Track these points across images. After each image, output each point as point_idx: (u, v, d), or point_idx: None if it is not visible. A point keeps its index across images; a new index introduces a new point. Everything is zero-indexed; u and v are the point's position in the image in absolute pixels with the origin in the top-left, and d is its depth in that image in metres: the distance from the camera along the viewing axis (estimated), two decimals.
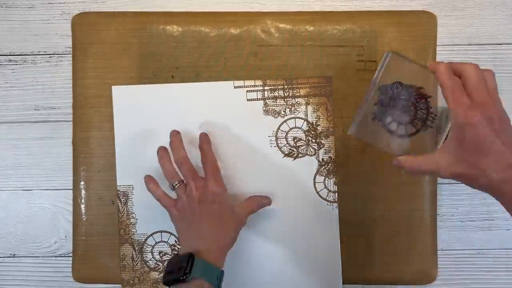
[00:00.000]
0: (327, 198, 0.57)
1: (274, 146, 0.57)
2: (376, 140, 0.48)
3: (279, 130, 0.57)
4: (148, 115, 0.57)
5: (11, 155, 0.60)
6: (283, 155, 0.57)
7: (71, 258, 0.59)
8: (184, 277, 0.43)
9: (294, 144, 0.57)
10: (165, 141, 0.53)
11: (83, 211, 0.58)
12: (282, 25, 0.57)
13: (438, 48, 0.58)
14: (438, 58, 0.58)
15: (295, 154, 0.57)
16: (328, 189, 0.57)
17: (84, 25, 0.58)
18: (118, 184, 0.57)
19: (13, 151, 0.60)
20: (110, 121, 0.57)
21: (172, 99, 0.57)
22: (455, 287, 0.60)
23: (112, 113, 0.57)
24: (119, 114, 0.57)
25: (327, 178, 0.57)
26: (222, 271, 0.47)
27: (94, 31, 0.57)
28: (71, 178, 0.58)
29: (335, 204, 0.57)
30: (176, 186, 0.51)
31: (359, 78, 0.57)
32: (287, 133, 0.57)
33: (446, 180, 0.59)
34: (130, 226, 0.57)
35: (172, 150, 0.52)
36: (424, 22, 0.57)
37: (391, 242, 0.57)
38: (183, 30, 0.57)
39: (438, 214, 0.59)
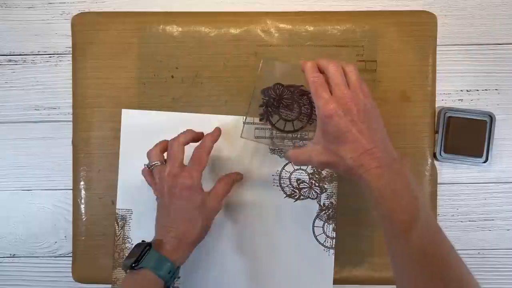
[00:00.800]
0: (324, 244, 0.56)
1: (277, 186, 0.57)
2: (268, 140, 0.53)
3: (284, 170, 0.57)
4: (154, 141, 0.56)
5: (11, 155, 0.60)
6: (284, 195, 0.57)
7: (71, 258, 0.59)
8: (134, 265, 0.44)
9: (297, 186, 0.57)
10: None
11: (83, 211, 0.58)
12: (282, 25, 0.57)
13: (438, 48, 0.58)
14: (438, 58, 0.58)
15: (297, 196, 0.57)
16: (326, 235, 0.57)
17: (84, 25, 0.58)
18: (117, 207, 0.57)
19: (13, 151, 0.60)
20: (110, 121, 0.57)
21: (180, 128, 0.56)
22: None
23: (112, 113, 0.57)
24: (126, 137, 0.57)
25: (326, 223, 0.57)
26: (178, 267, 0.47)
27: (94, 31, 0.57)
28: (71, 178, 0.58)
29: (332, 250, 0.56)
30: (153, 166, 0.50)
31: None
32: (291, 173, 0.57)
33: (446, 180, 0.59)
34: (125, 250, 0.57)
35: (177, 135, 0.51)
36: (424, 22, 0.58)
37: None
38: (183, 30, 0.57)
39: (438, 214, 0.59)
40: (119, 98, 0.57)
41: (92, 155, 0.58)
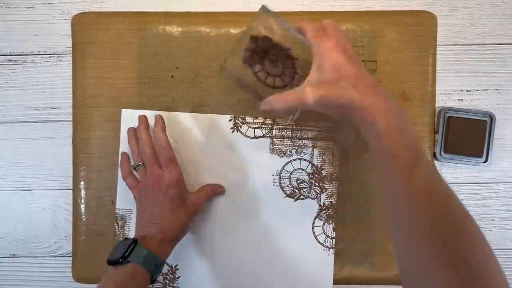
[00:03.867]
0: (324, 243, 0.57)
1: (277, 186, 0.57)
2: (247, 84, 0.50)
3: (283, 170, 0.57)
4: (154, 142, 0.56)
5: (11, 155, 0.60)
6: (284, 195, 0.57)
7: (71, 258, 0.59)
8: (122, 260, 0.46)
9: (297, 186, 0.57)
10: None
11: (83, 211, 0.58)
12: None
13: (438, 48, 0.58)
14: (438, 58, 0.58)
15: (297, 196, 0.57)
16: (326, 234, 0.57)
17: (84, 25, 0.58)
18: (117, 207, 0.57)
19: (13, 151, 0.60)
20: (110, 121, 0.57)
21: (179, 127, 0.57)
22: None
23: (112, 113, 0.57)
24: (125, 137, 0.57)
25: (326, 223, 0.57)
26: (163, 261, 0.48)
27: (94, 31, 0.57)
28: (71, 178, 0.58)
29: (332, 250, 0.57)
30: (138, 167, 0.53)
31: None
32: (291, 173, 0.57)
33: (446, 180, 0.59)
34: None
35: (138, 135, 0.54)
36: (424, 22, 0.58)
37: (391, 242, 0.57)
38: (183, 30, 0.57)
39: None
40: (119, 98, 0.57)
41: (92, 155, 0.58)
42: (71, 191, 0.59)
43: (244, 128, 0.57)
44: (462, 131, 0.57)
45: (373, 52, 0.57)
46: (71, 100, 0.58)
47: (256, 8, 0.59)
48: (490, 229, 0.60)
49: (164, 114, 0.57)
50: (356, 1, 0.60)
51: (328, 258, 0.56)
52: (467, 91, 0.59)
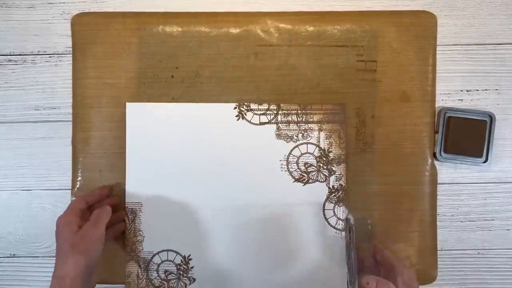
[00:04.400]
0: (335, 226, 0.57)
1: (285, 171, 0.57)
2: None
3: (291, 155, 0.57)
4: (160, 134, 0.57)
5: (11, 155, 0.60)
6: (293, 180, 0.57)
7: None
8: None
9: (305, 170, 0.57)
10: (176, 160, 0.56)
11: None
12: (282, 25, 0.57)
13: (438, 48, 0.58)
14: (438, 58, 0.58)
15: (306, 180, 0.57)
16: (337, 217, 0.57)
17: (83, 25, 0.58)
18: (126, 201, 0.57)
19: (13, 151, 0.60)
20: (110, 121, 0.57)
21: (185, 118, 0.57)
22: (455, 287, 0.60)
23: (112, 113, 0.57)
24: (132, 131, 0.57)
25: (336, 206, 0.57)
26: None
27: (93, 31, 0.57)
28: (71, 178, 0.58)
29: (343, 233, 0.56)
30: None
31: (359, 78, 0.57)
32: (298, 158, 0.57)
33: (446, 180, 0.59)
34: (136, 243, 0.57)
35: None
36: (424, 22, 0.58)
37: (391, 242, 0.57)
38: (183, 30, 0.57)
39: (438, 214, 0.59)
40: (119, 98, 0.57)
41: (92, 155, 0.58)
42: (71, 191, 0.59)
43: (249, 115, 0.57)
44: (462, 131, 0.58)
45: (373, 52, 0.57)
46: (71, 100, 0.58)
47: (256, 8, 0.60)
48: (490, 229, 0.60)
49: (167, 105, 0.57)
50: (356, 1, 0.60)
51: (340, 241, 0.56)
52: (467, 91, 0.59)
